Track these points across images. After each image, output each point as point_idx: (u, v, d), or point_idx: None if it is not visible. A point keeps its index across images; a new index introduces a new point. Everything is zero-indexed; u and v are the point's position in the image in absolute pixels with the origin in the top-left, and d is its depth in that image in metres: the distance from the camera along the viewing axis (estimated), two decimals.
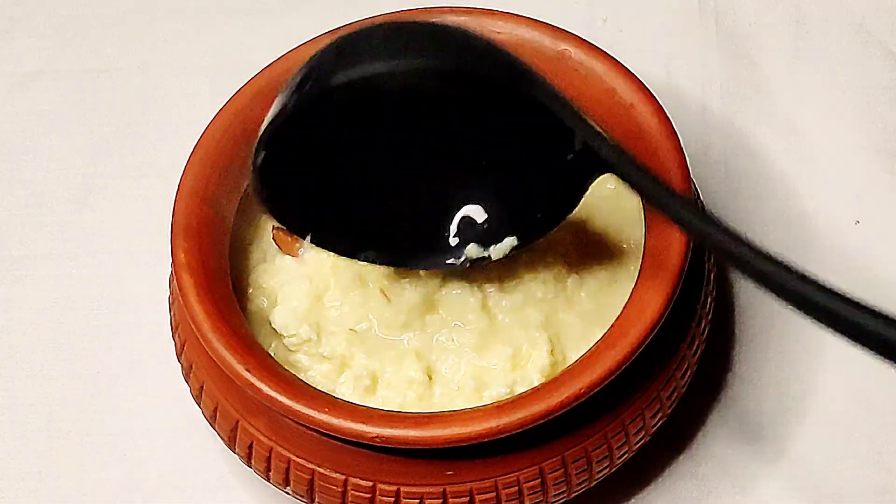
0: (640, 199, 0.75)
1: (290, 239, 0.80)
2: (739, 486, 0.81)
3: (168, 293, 0.81)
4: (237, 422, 0.74)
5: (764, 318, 0.86)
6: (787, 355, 0.85)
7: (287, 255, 0.79)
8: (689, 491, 0.81)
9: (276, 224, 0.80)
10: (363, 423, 0.69)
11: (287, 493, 0.75)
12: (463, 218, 0.74)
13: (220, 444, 0.79)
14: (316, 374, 0.76)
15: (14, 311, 0.89)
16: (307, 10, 0.98)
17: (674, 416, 0.78)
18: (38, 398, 0.86)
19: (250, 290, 0.79)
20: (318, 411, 0.69)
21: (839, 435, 0.82)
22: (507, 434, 0.69)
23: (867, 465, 0.81)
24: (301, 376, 0.75)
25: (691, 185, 0.75)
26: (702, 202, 0.80)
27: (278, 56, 0.80)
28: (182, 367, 0.78)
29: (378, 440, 0.69)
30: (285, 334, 0.77)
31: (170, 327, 0.79)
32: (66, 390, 0.86)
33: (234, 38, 0.98)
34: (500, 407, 0.69)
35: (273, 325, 0.77)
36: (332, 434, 0.70)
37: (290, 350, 0.77)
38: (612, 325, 0.72)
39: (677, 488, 0.81)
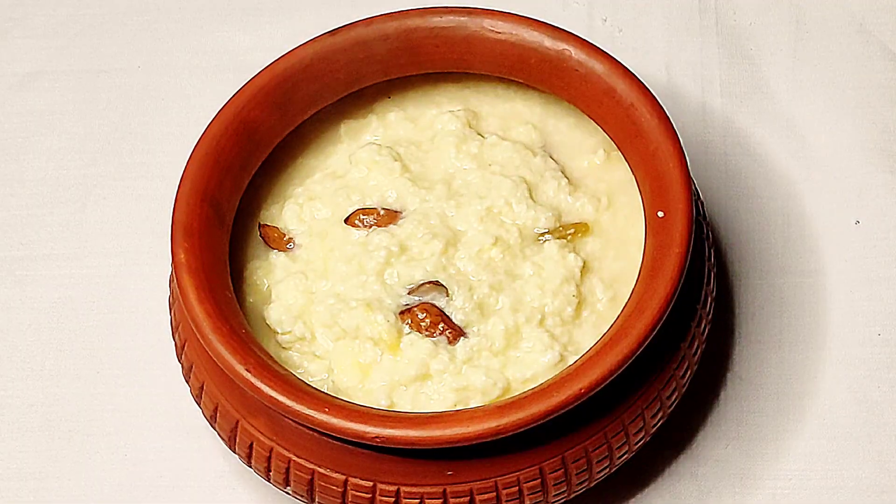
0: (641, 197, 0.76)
1: (277, 234, 0.80)
2: (739, 486, 0.81)
3: (168, 293, 0.81)
4: (237, 422, 0.74)
5: (764, 318, 0.86)
6: (787, 355, 0.85)
7: (279, 252, 0.79)
8: (689, 491, 0.81)
9: (263, 221, 0.80)
10: (363, 423, 0.69)
11: (287, 493, 0.75)
12: None
13: (220, 444, 0.80)
14: (305, 372, 0.76)
15: (14, 311, 0.89)
16: (307, 10, 0.98)
17: (674, 416, 0.78)
18: (38, 398, 0.86)
19: (244, 287, 0.79)
20: (318, 411, 0.69)
21: (839, 435, 0.82)
22: (506, 434, 0.69)
23: (867, 465, 0.81)
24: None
25: (691, 185, 0.75)
26: (702, 202, 0.80)
27: (278, 56, 0.80)
28: (182, 367, 0.78)
29: (378, 440, 0.69)
30: (279, 331, 0.77)
31: (170, 327, 0.79)
32: (66, 390, 0.86)
33: (234, 38, 0.98)
34: (500, 407, 0.69)
35: (267, 322, 0.77)
36: (332, 434, 0.70)
37: (283, 347, 0.77)
38: (612, 326, 0.72)
39: (677, 488, 0.81)
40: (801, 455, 0.82)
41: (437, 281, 0.76)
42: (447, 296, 0.76)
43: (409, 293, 0.76)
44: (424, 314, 0.75)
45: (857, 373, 0.84)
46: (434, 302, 0.76)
